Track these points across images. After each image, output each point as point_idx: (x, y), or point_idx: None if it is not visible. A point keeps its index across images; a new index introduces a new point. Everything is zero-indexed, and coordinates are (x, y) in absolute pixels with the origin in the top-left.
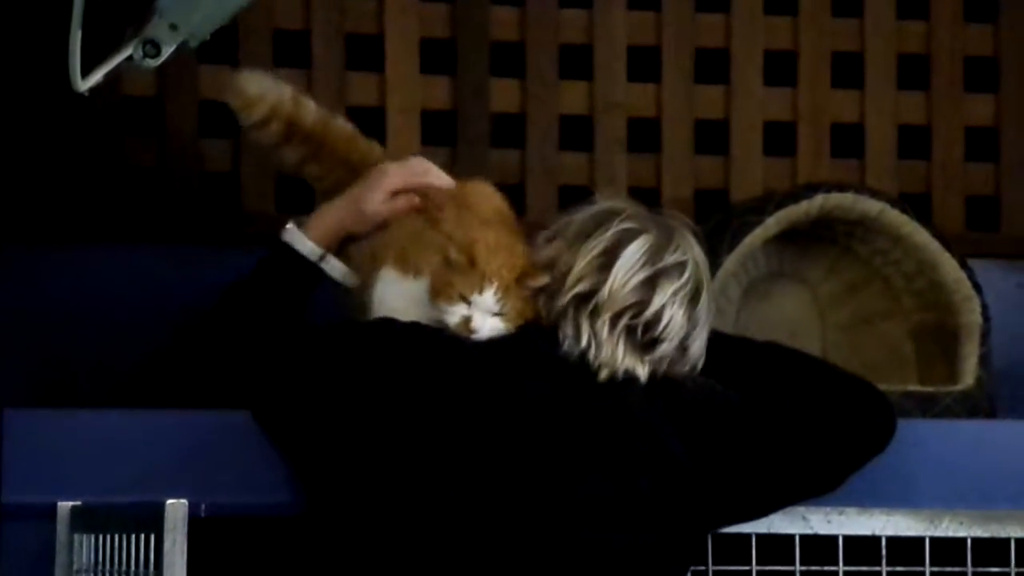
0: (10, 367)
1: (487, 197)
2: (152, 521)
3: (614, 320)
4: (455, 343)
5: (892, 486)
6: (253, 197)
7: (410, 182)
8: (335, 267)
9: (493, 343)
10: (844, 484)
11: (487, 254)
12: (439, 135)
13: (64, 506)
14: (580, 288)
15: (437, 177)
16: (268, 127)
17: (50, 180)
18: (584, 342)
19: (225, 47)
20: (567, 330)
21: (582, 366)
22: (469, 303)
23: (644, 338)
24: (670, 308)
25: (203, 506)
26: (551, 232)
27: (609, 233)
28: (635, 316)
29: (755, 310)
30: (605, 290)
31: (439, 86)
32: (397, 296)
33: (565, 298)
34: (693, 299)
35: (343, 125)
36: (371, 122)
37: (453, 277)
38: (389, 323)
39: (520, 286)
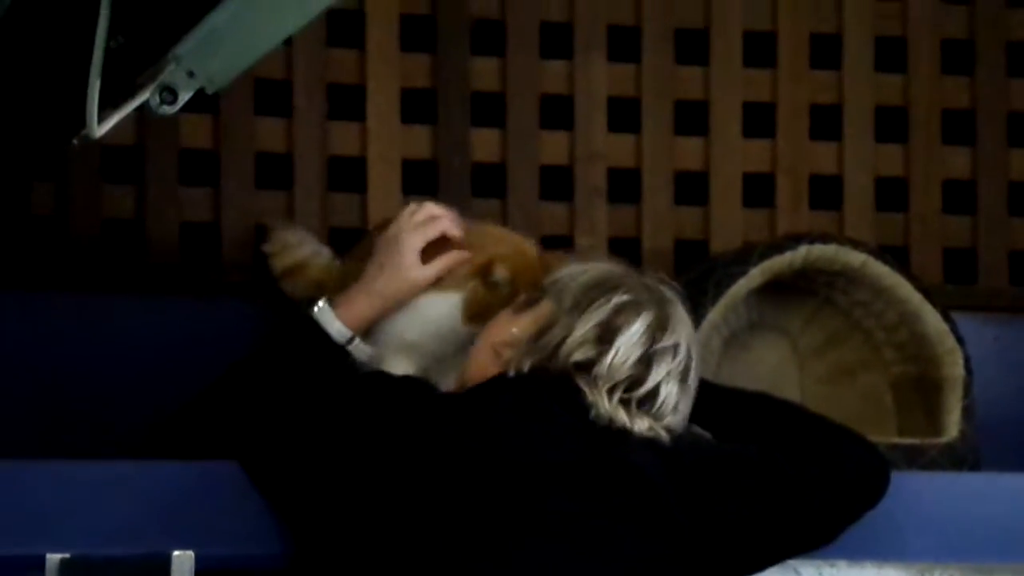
0: None
1: None
2: (156, 573)
3: (611, 391)
4: (450, 399)
5: (882, 539)
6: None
7: (428, 236)
8: (362, 350)
9: (491, 398)
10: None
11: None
12: (420, 185)
13: (53, 558)
14: (578, 356)
15: (443, 217)
16: (291, 279)
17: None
18: (589, 405)
19: (208, 96)
20: (570, 392)
21: (585, 423)
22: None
23: (640, 410)
24: (665, 385)
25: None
26: (545, 293)
27: (609, 306)
28: (629, 389)
29: (735, 361)
30: (605, 362)
31: (420, 136)
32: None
33: (562, 363)
34: (683, 376)
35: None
36: (352, 172)
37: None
38: (382, 377)
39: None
